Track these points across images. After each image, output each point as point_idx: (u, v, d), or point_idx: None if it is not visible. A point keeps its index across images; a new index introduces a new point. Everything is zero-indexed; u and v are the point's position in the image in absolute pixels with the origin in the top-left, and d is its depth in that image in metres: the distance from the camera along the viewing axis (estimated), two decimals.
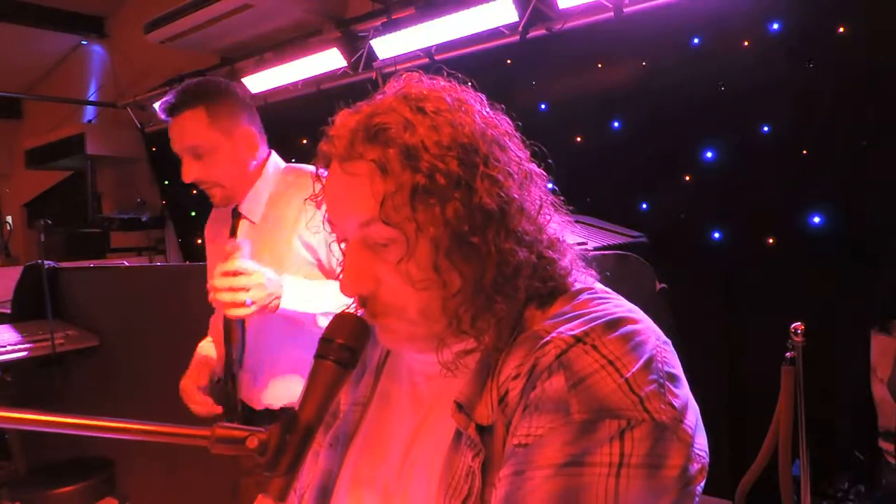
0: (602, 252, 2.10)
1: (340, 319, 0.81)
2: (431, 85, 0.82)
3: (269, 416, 1.85)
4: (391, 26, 3.95)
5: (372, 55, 4.19)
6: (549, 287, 0.80)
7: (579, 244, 2.13)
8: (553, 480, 0.66)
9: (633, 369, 0.69)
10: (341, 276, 0.83)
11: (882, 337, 2.52)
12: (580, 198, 3.56)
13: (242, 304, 1.53)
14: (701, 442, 0.71)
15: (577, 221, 2.74)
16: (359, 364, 0.91)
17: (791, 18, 2.91)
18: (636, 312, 0.78)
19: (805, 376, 2.32)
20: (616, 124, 3.52)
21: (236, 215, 1.91)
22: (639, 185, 3.43)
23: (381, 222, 0.75)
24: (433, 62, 4.02)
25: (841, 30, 2.79)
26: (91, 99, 6.88)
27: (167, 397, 1.95)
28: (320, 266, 1.78)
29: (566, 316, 0.76)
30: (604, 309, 0.76)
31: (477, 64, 3.88)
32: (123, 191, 6.72)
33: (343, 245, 0.86)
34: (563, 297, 0.80)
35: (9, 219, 7.92)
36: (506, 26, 3.65)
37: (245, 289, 1.53)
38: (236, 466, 1.97)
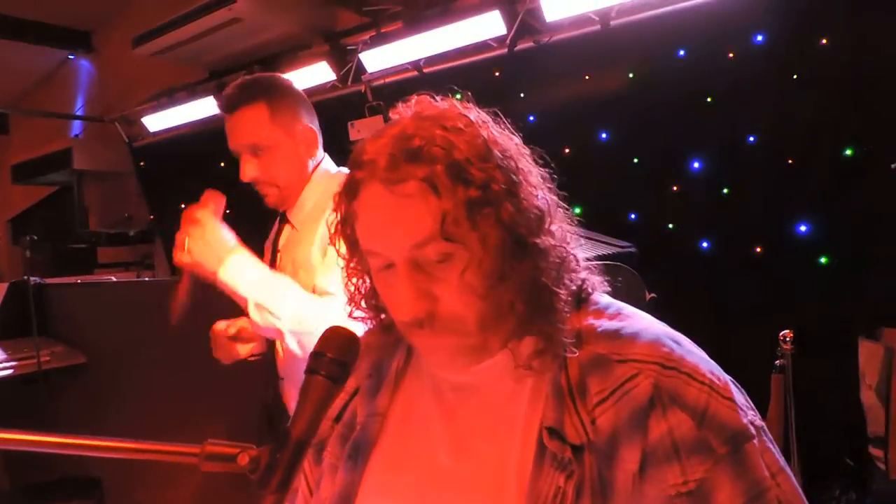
0: (591, 263, 2.10)
1: (331, 334, 0.81)
2: (446, 105, 0.85)
3: None
4: (380, 39, 3.96)
5: (361, 68, 4.19)
6: (577, 288, 0.87)
7: None
8: (696, 434, 0.74)
9: (724, 387, 0.78)
10: (394, 301, 0.84)
11: (870, 343, 2.53)
12: (569, 208, 3.57)
13: (182, 247, 1.53)
14: None
15: None
16: (374, 376, 0.97)
17: (775, 31, 2.94)
18: (667, 328, 0.86)
19: (794, 384, 2.33)
20: (603, 135, 3.54)
21: (284, 219, 1.84)
22: (627, 195, 3.44)
23: (442, 239, 0.77)
24: (422, 75, 4.03)
25: (824, 41, 2.82)
26: (78, 113, 6.84)
27: (156, 415, 1.94)
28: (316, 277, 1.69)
29: (615, 330, 0.83)
30: (644, 322, 0.84)
31: (465, 76, 3.89)
32: (111, 206, 6.67)
33: (377, 271, 0.85)
34: (587, 303, 0.87)
35: None
36: (494, 39, 3.67)
37: (190, 235, 1.54)
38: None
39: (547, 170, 0.88)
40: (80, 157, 6.06)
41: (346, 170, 1.83)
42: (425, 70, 4.02)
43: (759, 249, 3.04)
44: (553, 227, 0.83)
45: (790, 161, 2.93)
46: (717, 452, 0.73)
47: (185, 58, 4.91)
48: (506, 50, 3.68)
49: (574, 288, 0.86)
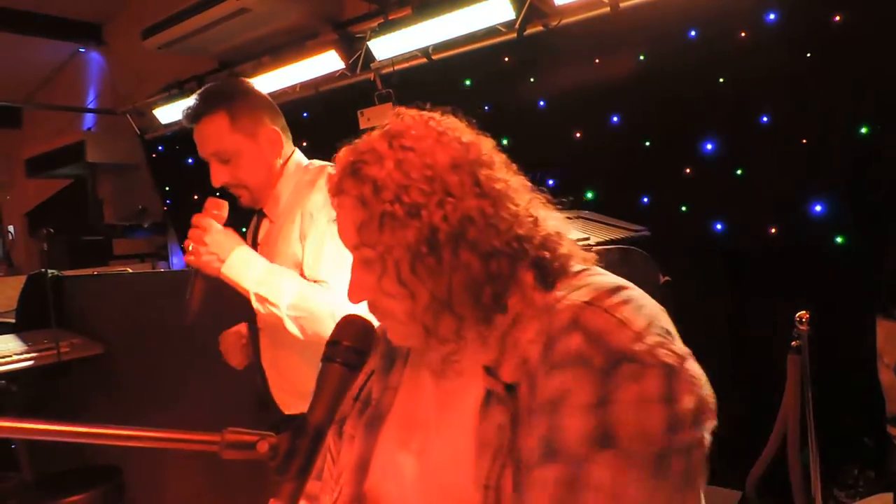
0: (605, 247, 2.10)
1: (347, 322, 0.82)
2: (415, 120, 0.95)
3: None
4: (388, 27, 3.94)
5: (370, 56, 4.18)
6: (551, 276, 0.92)
7: (581, 240, 2.13)
8: (586, 419, 0.77)
9: (641, 325, 0.81)
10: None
11: (888, 322, 2.51)
12: (581, 193, 3.57)
13: (189, 251, 1.67)
14: (708, 391, 0.82)
15: (578, 217, 2.74)
16: (387, 357, 1.07)
17: (788, 9, 2.90)
18: (630, 284, 0.90)
19: (811, 365, 2.31)
20: (615, 118, 3.51)
21: (261, 214, 1.91)
22: (639, 178, 3.42)
23: (363, 246, 0.90)
24: (431, 61, 4.02)
25: (837, 18, 2.78)
26: (90, 106, 6.88)
27: (175, 403, 1.96)
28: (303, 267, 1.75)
29: (572, 287, 0.88)
30: (603, 279, 0.89)
31: (475, 62, 3.88)
32: (124, 198, 6.71)
33: None
34: (563, 277, 0.92)
35: (11, 228, 7.93)
36: (503, 24, 3.65)
37: (194, 240, 1.66)
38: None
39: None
40: (93, 149, 6.10)
41: (317, 162, 1.91)
42: (434, 57, 4.00)
43: (773, 230, 3.02)
44: (485, 242, 0.88)
45: (804, 141, 2.90)
46: (593, 365, 0.79)
47: (194, 49, 4.92)
48: (515, 35, 3.65)
49: (547, 281, 0.91)
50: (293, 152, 1.91)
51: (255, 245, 1.89)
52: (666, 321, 0.86)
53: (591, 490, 0.76)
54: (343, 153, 0.95)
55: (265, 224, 1.90)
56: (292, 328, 1.63)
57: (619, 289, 0.86)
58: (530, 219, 0.93)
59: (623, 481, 0.76)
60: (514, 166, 0.99)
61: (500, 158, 0.97)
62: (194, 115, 1.78)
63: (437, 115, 0.97)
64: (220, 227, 1.69)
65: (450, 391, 0.95)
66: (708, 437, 0.81)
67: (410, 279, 0.89)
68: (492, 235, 0.89)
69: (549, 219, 0.97)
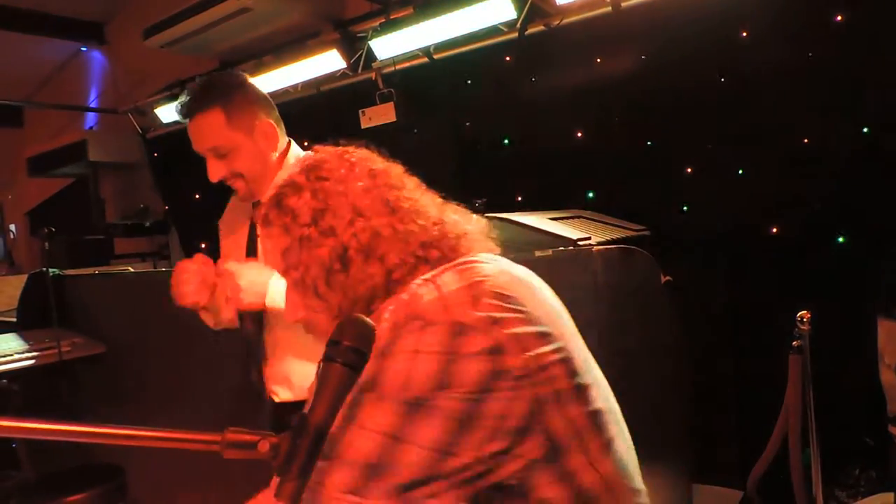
0: (606, 246, 2.10)
1: (347, 322, 0.82)
2: (330, 154, 1.09)
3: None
4: (390, 26, 3.94)
5: (371, 55, 4.18)
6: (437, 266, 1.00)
7: (582, 240, 2.13)
8: (370, 368, 0.83)
9: (452, 288, 0.89)
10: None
11: (888, 322, 2.51)
12: (582, 193, 3.57)
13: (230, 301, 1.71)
14: (529, 344, 0.87)
15: (579, 217, 2.74)
16: None
17: (789, 8, 2.90)
18: (500, 261, 1.00)
19: (812, 364, 2.31)
20: (616, 118, 3.51)
21: (258, 207, 1.91)
22: (640, 178, 3.42)
23: (289, 269, 1.04)
24: (432, 61, 4.02)
25: (838, 18, 2.78)
26: (92, 105, 6.88)
27: (176, 403, 1.96)
28: None
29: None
30: (464, 261, 0.97)
31: (476, 62, 3.88)
32: (126, 197, 6.72)
33: None
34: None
35: (12, 227, 7.94)
36: (504, 23, 3.65)
37: (230, 288, 1.69)
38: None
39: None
40: (94, 149, 6.09)
41: (311, 153, 1.89)
42: (436, 56, 4.00)
43: (775, 230, 3.02)
44: (389, 254, 1.00)
45: (805, 140, 2.90)
46: (386, 323, 0.89)
47: (196, 48, 4.92)
48: (516, 34, 3.65)
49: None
50: (290, 144, 1.92)
51: (255, 239, 1.91)
52: (502, 286, 0.91)
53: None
54: (271, 189, 1.09)
55: None
56: None
57: (464, 263, 0.96)
58: (437, 227, 1.04)
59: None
60: (423, 186, 1.11)
61: (411, 181, 1.09)
62: (189, 110, 1.78)
63: (350, 149, 1.10)
64: (244, 266, 1.71)
65: None
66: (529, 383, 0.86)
67: (326, 292, 1.01)
68: (399, 248, 1.00)
69: (459, 224, 1.07)
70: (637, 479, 1.00)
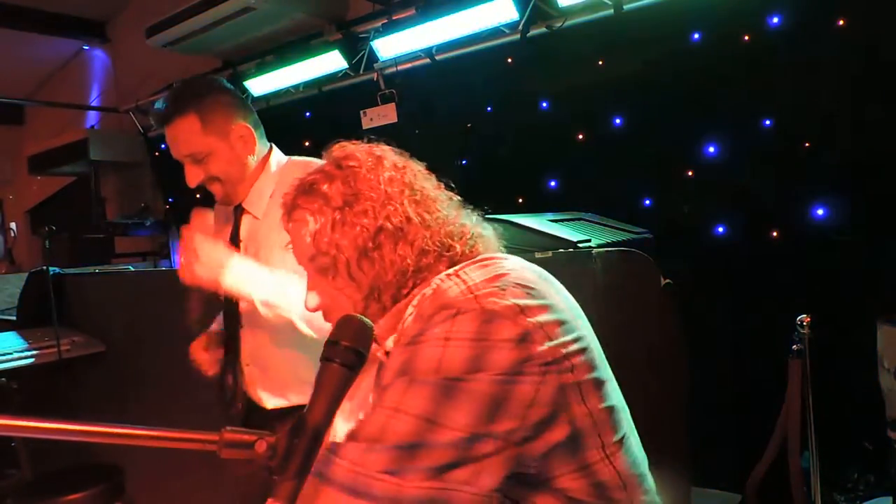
0: (606, 249, 2.10)
1: (345, 322, 0.82)
2: (357, 147, 1.12)
3: (280, 416, 1.85)
4: (392, 27, 3.95)
5: (373, 56, 4.19)
6: (458, 265, 1.03)
7: (583, 242, 2.13)
8: (401, 355, 0.90)
9: (478, 280, 0.93)
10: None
11: (888, 327, 2.51)
12: (583, 195, 3.56)
13: (183, 268, 1.67)
14: (554, 333, 0.90)
15: (580, 219, 2.74)
16: None
17: (791, 12, 2.91)
18: (518, 260, 1.04)
19: (812, 368, 2.31)
20: (618, 121, 3.51)
21: (239, 210, 1.90)
22: (641, 181, 3.42)
23: (319, 255, 1.06)
24: (434, 62, 4.02)
25: (840, 23, 2.78)
26: (93, 104, 6.89)
27: (175, 402, 1.96)
28: None
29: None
30: (490, 261, 1.00)
31: (478, 63, 3.88)
32: (127, 195, 6.72)
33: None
34: (467, 264, 1.02)
35: (13, 225, 7.93)
36: (506, 25, 3.65)
37: (186, 255, 1.66)
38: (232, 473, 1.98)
39: (443, 181, 1.15)
40: (96, 147, 6.10)
41: (296, 158, 1.90)
42: (437, 57, 4.00)
43: (775, 234, 3.02)
44: (415, 239, 1.03)
45: (806, 144, 2.90)
46: (422, 316, 0.93)
47: (198, 48, 4.92)
48: (518, 36, 3.65)
49: (447, 264, 1.04)
50: (271, 150, 1.91)
51: (237, 242, 1.89)
52: (527, 280, 0.95)
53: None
54: (296, 180, 1.12)
55: (247, 220, 1.90)
56: (303, 328, 1.64)
57: (486, 259, 1.01)
58: (458, 223, 1.09)
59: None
60: (441, 185, 1.15)
61: (431, 177, 1.14)
62: (164, 117, 1.77)
63: (375, 144, 1.13)
64: (209, 238, 1.68)
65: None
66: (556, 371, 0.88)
67: (358, 273, 1.04)
68: (427, 234, 1.04)
69: (471, 222, 1.12)
70: (649, 477, 1.02)
